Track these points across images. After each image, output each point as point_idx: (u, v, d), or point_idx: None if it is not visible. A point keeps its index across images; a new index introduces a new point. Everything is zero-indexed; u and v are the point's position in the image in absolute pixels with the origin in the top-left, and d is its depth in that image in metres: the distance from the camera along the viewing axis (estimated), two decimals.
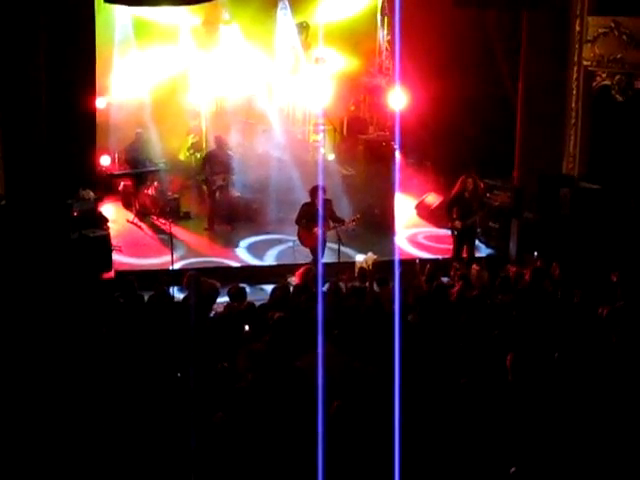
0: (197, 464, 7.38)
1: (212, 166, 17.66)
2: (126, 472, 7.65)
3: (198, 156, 19.78)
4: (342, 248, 14.74)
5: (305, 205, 15.01)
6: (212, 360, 9.12)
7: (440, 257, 16.31)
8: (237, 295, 11.64)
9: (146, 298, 11.70)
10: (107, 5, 16.29)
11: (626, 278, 12.41)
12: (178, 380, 8.96)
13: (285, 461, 7.48)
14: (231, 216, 17.78)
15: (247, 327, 10.57)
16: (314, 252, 14.87)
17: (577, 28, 16.70)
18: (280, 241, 16.76)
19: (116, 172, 18.82)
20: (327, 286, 12.02)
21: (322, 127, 20.50)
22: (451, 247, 16.07)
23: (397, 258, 15.04)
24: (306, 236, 14.98)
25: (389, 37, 21.05)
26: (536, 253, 15.09)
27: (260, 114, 19.99)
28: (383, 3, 21.03)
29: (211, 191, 17.71)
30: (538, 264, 13.71)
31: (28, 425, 8.16)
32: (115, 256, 15.46)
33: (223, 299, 11.86)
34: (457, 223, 15.59)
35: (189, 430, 7.57)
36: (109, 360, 9.45)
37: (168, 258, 14.52)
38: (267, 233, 17.23)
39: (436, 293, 12.00)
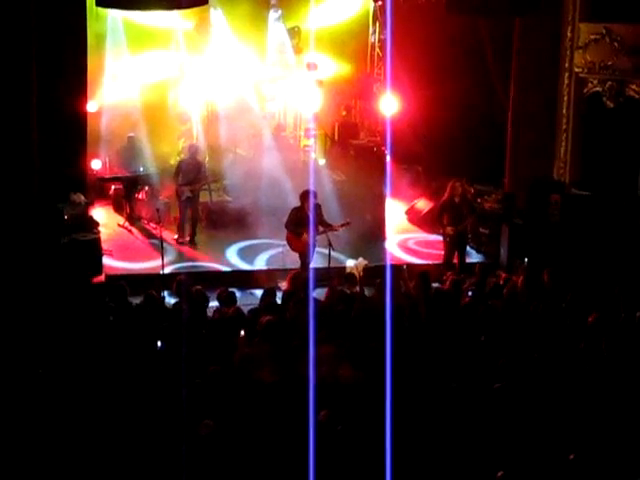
0: (188, 470, 7.36)
1: (183, 176, 17.18)
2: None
3: None
4: (332, 253, 14.71)
5: (295, 210, 14.97)
6: (205, 364, 9.12)
7: (431, 262, 16.33)
8: (227, 300, 11.63)
9: (136, 302, 11.71)
10: (98, 9, 16.30)
11: (619, 285, 12.44)
12: (170, 385, 8.94)
13: (276, 468, 7.48)
14: (212, 223, 17.79)
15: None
16: (303, 257, 14.84)
17: (569, 35, 16.75)
18: (270, 245, 16.72)
19: (107, 176, 18.80)
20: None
21: (313, 132, 20.47)
22: (442, 253, 16.08)
23: (388, 263, 15.02)
24: (295, 241, 14.95)
25: (381, 42, 21.05)
26: (526, 259, 15.10)
27: (251, 118, 19.96)
28: (375, 9, 21.04)
29: (180, 202, 17.22)
30: (523, 271, 13.76)
31: (16, 432, 8.12)
32: (106, 260, 15.44)
33: (213, 303, 11.88)
34: (449, 229, 15.60)
35: (180, 436, 7.56)
36: (100, 364, 9.44)
37: (158, 262, 14.50)
38: (257, 238, 17.17)
39: (427, 299, 12.02)
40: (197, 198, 17.44)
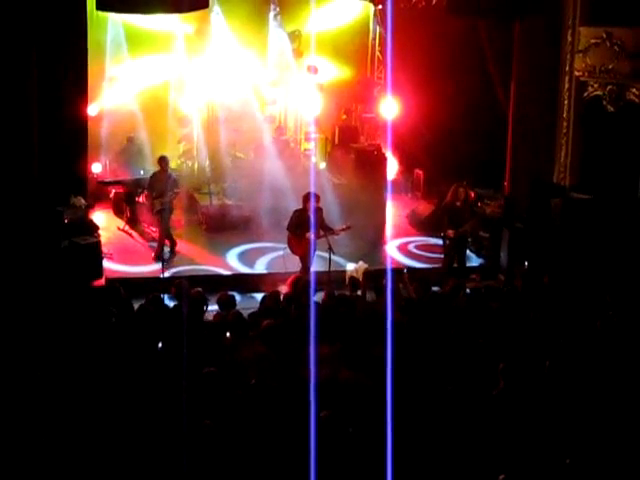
0: (188, 471, 7.35)
1: (155, 189, 16.70)
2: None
3: (190, 164, 19.79)
4: (333, 257, 14.70)
5: (297, 212, 14.96)
6: (203, 367, 9.10)
7: (431, 266, 16.32)
8: (226, 303, 11.60)
9: (136, 306, 11.68)
10: (99, 13, 16.30)
11: (616, 290, 12.43)
12: (170, 387, 8.94)
13: (276, 469, 7.47)
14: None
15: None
16: (304, 260, 14.83)
17: (569, 38, 16.73)
18: (271, 249, 16.70)
19: (107, 179, 18.83)
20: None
21: (313, 135, 20.50)
22: (442, 256, 16.07)
23: (388, 267, 15.01)
24: (296, 243, 14.93)
25: (381, 46, 21.08)
26: (527, 263, 15.09)
27: (252, 122, 19.97)
28: (375, 12, 21.06)
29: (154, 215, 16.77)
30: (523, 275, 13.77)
31: (18, 436, 8.11)
32: (106, 263, 15.44)
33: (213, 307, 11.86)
34: (450, 232, 15.59)
35: (181, 437, 7.55)
36: (101, 367, 9.42)
37: (159, 266, 14.51)
38: (258, 241, 17.16)
39: (427, 302, 12.00)
40: (168, 212, 16.72)
